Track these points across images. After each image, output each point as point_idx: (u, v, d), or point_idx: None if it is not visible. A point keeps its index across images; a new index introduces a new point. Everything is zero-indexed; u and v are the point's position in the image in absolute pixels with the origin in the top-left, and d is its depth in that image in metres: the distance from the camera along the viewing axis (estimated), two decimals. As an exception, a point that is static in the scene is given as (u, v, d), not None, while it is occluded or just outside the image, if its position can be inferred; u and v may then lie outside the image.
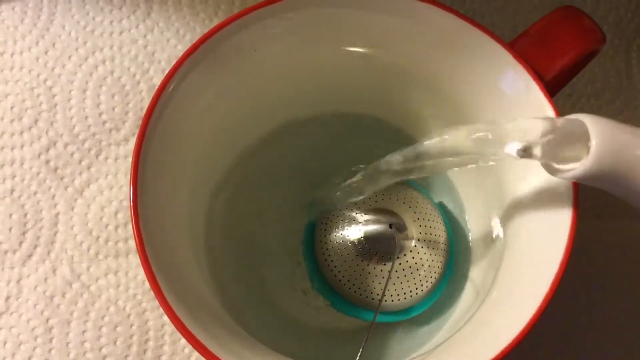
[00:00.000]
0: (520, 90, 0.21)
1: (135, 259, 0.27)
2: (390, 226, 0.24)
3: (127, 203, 0.28)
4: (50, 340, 0.26)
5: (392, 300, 0.24)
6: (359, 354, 0.23)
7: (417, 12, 0.22)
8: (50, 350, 0.26)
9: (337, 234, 0.25)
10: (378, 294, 0.24)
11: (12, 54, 0.29)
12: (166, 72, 0.21)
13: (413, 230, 0.25)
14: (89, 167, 0.28)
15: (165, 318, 0.26)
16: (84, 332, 0.26)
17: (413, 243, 0.25)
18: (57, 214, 0.28)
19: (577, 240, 0.19)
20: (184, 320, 0.18)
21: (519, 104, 0.22)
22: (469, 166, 0.20)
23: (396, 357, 0.25)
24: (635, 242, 0.29)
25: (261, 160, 0.27)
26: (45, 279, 0.27)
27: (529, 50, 0.21)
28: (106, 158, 0.28)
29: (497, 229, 0.24)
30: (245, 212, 0.27)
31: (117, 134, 0.29)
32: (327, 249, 0.25)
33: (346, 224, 0.25)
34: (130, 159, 0.28)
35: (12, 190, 0.28)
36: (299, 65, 0.24)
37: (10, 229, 0.27)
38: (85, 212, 0.28)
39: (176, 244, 0.21)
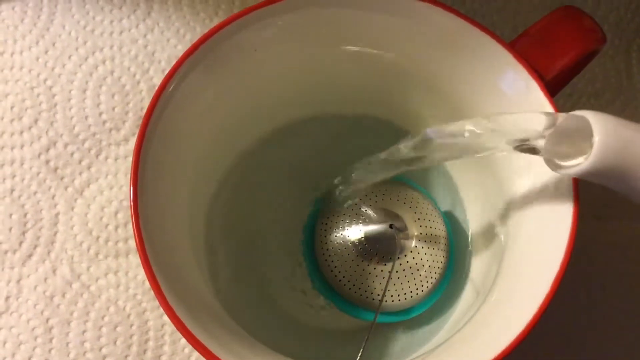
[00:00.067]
0: (521, 90, 0.21)
1: (135, 259, 0.27)
2: (390, 226, 0.24)
3: (127, 203, 0.28)
4: (50, 340, 0.26)
5: (393, 301, 0.24)
6: (359, 354, 0.23)
7: (417, 12, 0.22)
8: (50, 350, 0.26)
9: (338, 234, 0.25)
10: (378, 294, 0.24)
11: (12, 54, 0.29)
12: (166, 72, 0.21)
13: (413, 230, 0.25)
14: (89, 167, 0.28)
15: (165, 318, 0.26)
16: (84, 332, 0.26)
17: (413, 243, 0.25)
18: (57, 214, 0.28)
19: (577, 240, 0.19)
20: (184, 320, 0.18)
21: (519, 104, 0.22)
22: (471, 160, 0.20)
23: (396, 357, 0.25)
24: (635, 242, 0.29)
25: (261, 160, 0.27)
26: (45, 279, 0.27)
27: (529, 50, 0.21)
28: (106, 158, 0.28)
29: (498, 229, 0.24)
30: (245, 212, 0.27)
31: (117, 133, 0.29)
32: (327, 249, 0.25)
33: (346, 224, 0.25)
34: (130, 159, 0.28)
35: (12, 190, 0.28)
36: (299, 65, 0.24)
37: (10, 229, 0.27)
38: (85, 212, 0.28)
39: (176, 244, 0.21)
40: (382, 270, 0.24)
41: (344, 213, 0.25)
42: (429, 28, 0.22)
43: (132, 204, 0.19)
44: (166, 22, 0.30)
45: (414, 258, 0.24)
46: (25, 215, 0.27)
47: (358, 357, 0.23)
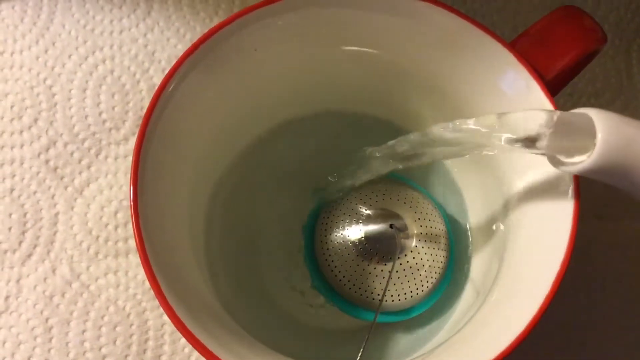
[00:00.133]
0: (521, 90, 0.21)
1: (135, 259, 0.27)
2: (391, 226, 0.24)
3: (127, 202, 0.28)
4: (50, 340, 0.26)
5: (393, 301, 0.24)
6: (359, 354, 0.23)
7: (417, 12, 0.22)
8: (49, 350, 0.26)
9: (338, 234, 0.25)
10: (379, 294, 0.24)
11: (12, 53, 0.29)
12: (166, 71, 0.21)
13: (414, 230, 0.25)
14: (88, 167, 0.28)
15: (165, 318, 0.26)
16: (83, 331, 0.26)
17: (414, 243, 0.24)
18: (56, 214, 0.27)
19: (577, 240, 0.19)
20: (184, 320, 0.18)
21: (519, 104, 0.21)
22: (472, 159, 0.20)
23: (396, 357, 0.25)
24: (635, 242, 0.29)
25: (261, 160, 0.27)
26: (45, 279, 0.27)
27: (529, 50, 0.21)
28: (106, 157, 0.28)
29: (498, 229, 0.24)
30: (245, 212, 0.27)
31: (117, 133, 0.29)
32: (327, 249, 0.25)
33: (347, 224, 0.25)
34: (130, 159, 0.28)
35: (12, 190, 0.28)
36: (299, 65, 0.24)
37: (9, 229, 0.27)
38: (85, 211, 0.28)
39: (176, 243, 0.21)
40: (382, 270, 0.24)
41: (344, 213, 0.25)
42: (429, 28, 0.22)
43: (132, 203, 0.19)
44: (166, 21, 0.30)
45: (414, 258, 0.24)
46: (24, 214, 0.27)
47: (358, 357, 0.23)
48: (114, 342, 0.26)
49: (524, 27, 0.22)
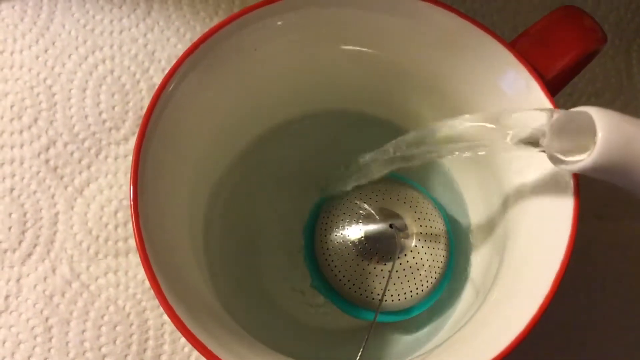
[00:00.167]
0: (521, 89, 0.21)
1: (135, 258, 0.27)
2: (390, 226, 0.24)
3: (126, 202, 0.28)
4: (50, 339, 0.26)
5: (393, 300, 0.24)
6: (359, 354, 0.23)
7: (417, 12, 0.22)
8: (49, 350, 0.26)
9: (338, 234, 0.25)
10: (378, 294, 0.24)
11: (12, 53, 0.29)
12: (166, 71, 0.21)
13: (414, 229, 0.25)
14: (88, 167, 0.28)
15: (165, 317, 0.26)
16: (83, 331, 0.26)
17: (413, 243, 0.24)
18: (56, 213, 0.27)
19: (577, 240, 0.19)
20: (184, 320, 0.18)
21: (519, 104, 0.21)
22: (472, 159, 0.20)
23: (396, 357, 0.25)
24: (635, 242, 0.29)
25: (261, 160, 0.27)
26: (45, 278, 0.27)
27: (529, 50, 0.21)
28: (106, 157, 0.28)
29: (498, 229, 0.24)
30: (245, 212, 0.27)
31: (117, 133, 0.29)
32: (327, 249, 0.25)
33: (346, 223, 0.25)
34: (130, 158, 0.28)
35: (12, 189, 0.28)
36: (299, 64, 0.24)
37: (9, 228, 0.27)
38: (85, 211, 0.28)
39: (176, 243, 0.21)
40: (382, 270, 0.24)
41: (344, 213, 0.25)
42: (429, 28, 0.22)
43: (132, 203, 0.19)
44: (166, 21, 0.30)
45: (414, 257, 0.24)
46: (24, 214, 0.27)
47: (358, 357, 0.23)
48: (114, 342, 0.26)
49: (524, 27, 0.22)
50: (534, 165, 0.21)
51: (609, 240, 0.29)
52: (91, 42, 0.29)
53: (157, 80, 0.29)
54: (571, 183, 0.20)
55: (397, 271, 0.24)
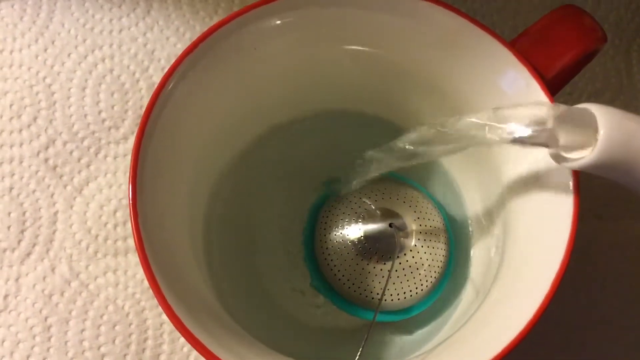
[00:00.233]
0: (521, 89, 0.21)
1: (134, 258, 0.27)
2: (390, 225, 0.24)
3: (126, 201, 0.28)
4: (49, 339, 0.26)
5: (392, 300, 0.24)
6: (358, 353, 0.23)
7: (418, 11, 0.22)
8: (48, 349, 0.26)
9: (337, 234, 0.25)
10: (378, 294, 0.24)
11: (11, 52, 0.29)
12: (166, 70, 0.21)
13: (413, 229, 0.25)
14: (88, 166, 0.28)
15: (164, 317, 0.26)
16: (82, 330, 0.26)
17: (413, 242, 0.24)
18: (56, 213, 0.27)
19: (577, 240, 0.19)
20: (183, 319, 0.18)
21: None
22: (472, 159, 0.20)
23: (396, 357, 0.25)
24: (635, 242, 0.29)
25: (260, 160, 0.27)
26: (44, 278, 0.27)
27: (529, 50, 0.21)
28: (105, 156, 0.28)
29: (498, 229, 0.24)
30: (245, 212, 0.27)
31: (117, 132, 0.29)
32: (327, 249, 0.25)
33: (346, 223, 0.25)
34: (129, 158, 0.28)
35: (11, 189, 0.28)
36: (299, 64, 0.24)
37: (9, 227, 0.27)
38: (84, 210, 0.28)
39: (175, 243, 0.21)
40: (381, 269, 0.24)
41: (344, 212, 0.25)
42: (429, 27, 0.22)
43: (131, 202, 0.19)
44: (166, 20, 0.30)
45: (413, 257, 0.24)
46: (24, 213, 0.27)
47: (357, 356, 0.23)
48: (113, 341, 0.26)
49: (524, 27, 0.22)
50: (534, 165, 0.21)
51: (609, 240, 0.29)
52: (90, 41, 0.29)
53: (157, 79, 0.29)
54: (571, 183, 0.20)
55: (396, 270, 0.24)
